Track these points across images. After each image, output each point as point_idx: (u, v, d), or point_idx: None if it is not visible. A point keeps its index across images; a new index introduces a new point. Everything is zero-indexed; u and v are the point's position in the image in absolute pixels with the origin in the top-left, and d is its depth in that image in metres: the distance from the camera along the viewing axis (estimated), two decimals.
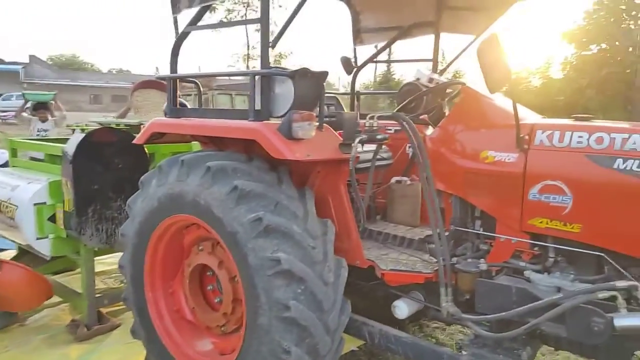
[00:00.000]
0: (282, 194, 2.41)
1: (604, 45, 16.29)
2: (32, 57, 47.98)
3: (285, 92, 2.53)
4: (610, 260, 2.07)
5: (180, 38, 2.93)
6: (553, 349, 2.77)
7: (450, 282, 2.40)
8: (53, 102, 6.93)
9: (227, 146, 2.88)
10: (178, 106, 3.05)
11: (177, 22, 2.95)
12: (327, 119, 2.74)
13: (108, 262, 5.02)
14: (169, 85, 2.96)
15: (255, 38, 26.36)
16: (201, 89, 3.29)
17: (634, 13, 13.95)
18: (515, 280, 2.28)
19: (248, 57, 26.94)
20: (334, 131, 2.68)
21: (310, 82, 2.57)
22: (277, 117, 2.55)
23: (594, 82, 15.81)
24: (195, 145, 3.89)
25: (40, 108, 6.73)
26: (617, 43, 15.61)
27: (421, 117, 3.13)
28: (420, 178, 2.61)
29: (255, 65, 27.89)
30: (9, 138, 4.49)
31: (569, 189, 2.16)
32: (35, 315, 4.01)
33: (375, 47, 4.43)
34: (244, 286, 2.31)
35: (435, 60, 3.94)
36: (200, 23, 2.93)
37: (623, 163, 2.05)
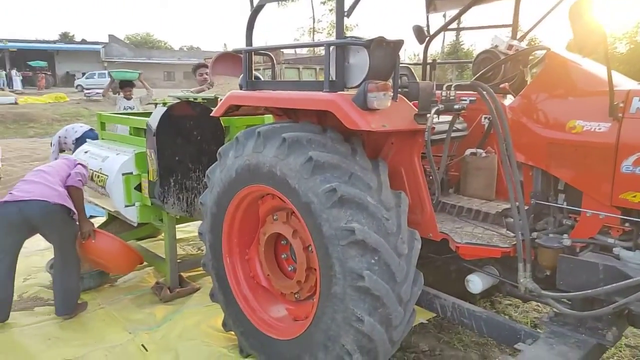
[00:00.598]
0: (356, 165, 2.42)
1: None
2: (111, 36, 50.69)
3: (360, 62, 2.50)
4: None
5: (256, 10, 2.95)
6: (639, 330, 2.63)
7: (530, 258, 2.32)
8: (139, 80, 7.18)
9: (300, 118, 2.92)
10: (253, 79, 3.10)
11: None
12: (402, 89, 2.69)
13: (186, 230, 5.34)
14: (244, 58, 3.02)
15: (321, 11, 26.15)
16: (275, 61, 3.33)
17: None
18: (603, 257, 2.16)
19: (314, 30, 26.80)
20: (408, 102, 2.63)
21: (385, 52, 2.52)
22: (352, 88, 2.54)
23: None
24: (268, 118, 3.98)
25: (126, 86, 6.97)
26: None
27: (501, 86, 2.99)
28: (500, 149, 2.51)
29: (321, 38, 27.74)
30: (97, 112, 4.80)
31: None
32: (124, 277, 4.35)
33: (444, 16, 4.25)
34: (318, 255, 2.36)
35: (515, 26, 3.71)
36: None
37: None
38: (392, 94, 2.45)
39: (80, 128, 7.23)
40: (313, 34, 26.93)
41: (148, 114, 4.10)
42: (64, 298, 3.55)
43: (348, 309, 2.23)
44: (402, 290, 2.29)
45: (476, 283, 2.64)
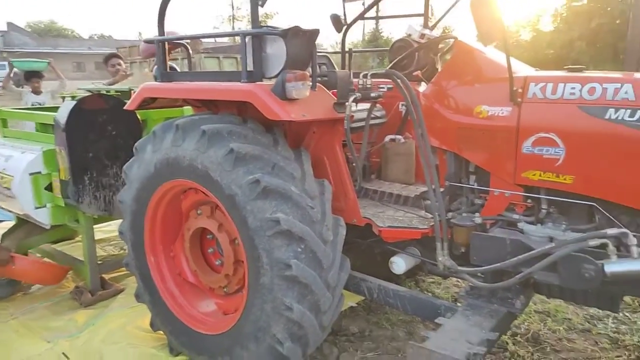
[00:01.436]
0: (278, 156, 2.43)
1: None
2: (9, 24, 46.51)
3: (277, 52, 2.49)
4: (602, 210, 2.13)
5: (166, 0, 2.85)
6: (545, 297, 2.89)
7: (446, 237, 2.46)
8: (50, 68, 6.42)
9: (220, 109, 2.87)
10: (168, 70, 3.00)
11: None
12: (320, 78, 2.72)
13: (106, 229, 5.08)
14: (158, 48, 2.90)
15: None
16: (190, 51, 3.23)
17: None
18: (509, 232, 2.35)
19: (233, 18, 26.24)
20: (327, 91, 2.67)
21: (302, 41, 2.53)
22: (270, 78, 2.53)
23: (585, 34, 15.64)
24: (188, 110, 3.86)
25: (33, 77, 6.21)
26: None
27: (414, 73, 3.11)
28: (415, 135, 2.63)
29: (241, 27, 27.21)
30: None
31: (562, 140, 2.20)
32: (38, 284, 4.07)
33: (363, 4, 4.34)
34: (245, 247, 2.35)
35: (426, 15, 3.87)
36: None
37: (615, 113, 2.08)
38: (310, 84, 2.47)
39: None
40: (233, 22, 26.37)
41: (56, 109, 3.82)
42: None
43: (277, 298, 2.25)
44: (329, 276, 2.35)
45: (399, 264, 2.76)
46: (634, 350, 3.02)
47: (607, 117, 2.09)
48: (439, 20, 4.32)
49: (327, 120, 2.63)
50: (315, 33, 2.59)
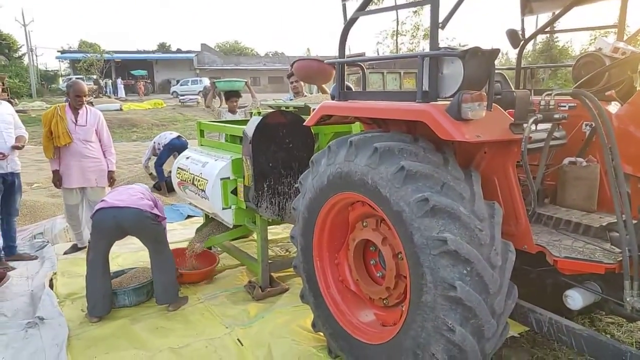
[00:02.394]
0: (448, 175, 2.42)
1: None
2: (203, 45, 53.91)
3: (453, 72, 2.50)
4: None
5: (349, 24, 3.05)
6: None
7: (637, 275, 2.19)
8: (246, 88, 6.96)
9: (390, 127, 2.97)
10: (345, 89, 3.21)
11: (345, 8, 3.08)
12: (495, 96, 2.64)
13: (274, 232, 5.59)
14: (337, 69, 3.12)
15: (405, 13, 25.80)
16: (366, 71, 3.41)
17: None
18: None
19: (397, 33, 26.56)
20: (503, 111, 2.59)
21: (480, 61, 2.49)
22: (445, 98, 2.55)
23: None
24: (356, 126, 4.07)
25: (232, 97, 6.62)
26: None
27: (607, 93, 2.83)
28: (602, 159, 2.39)
29: (404, 41, 27.43)
30: (198, 121, 5.18)
31: None
32: (220, 274, 4.66)
33: (553, 13, 4.07)
34: (409, 263, 2.39)
35: (621, 26, 3.49)
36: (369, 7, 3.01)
37: None
38: (486, 104, 2.43)
39: (170, 135, 7.97)
40: (397, 37, 26.69)
41: (244, 122, 4.36)
42: (164, 290, 3.88)
43: (439, 318, 2.25)
44: (495, 302, 2.26)
45: (576, 299, 2.53)
46: None
47: None
48: (638, 32, 3.85)
49: (501, 141, 2.55)
50: (495, 53, 2.54)
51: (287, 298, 4.05)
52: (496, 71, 3.84)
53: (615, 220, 2.29)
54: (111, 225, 3.70)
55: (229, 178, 4.06)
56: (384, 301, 2.86)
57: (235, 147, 4.26)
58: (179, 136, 8.13)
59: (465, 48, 2.48)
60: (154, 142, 8.14)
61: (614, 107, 2.87)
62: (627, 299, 2.19)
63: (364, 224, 2.91)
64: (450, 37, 23.81)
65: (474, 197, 2.41)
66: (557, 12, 3.92)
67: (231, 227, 4.32)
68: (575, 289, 2.56)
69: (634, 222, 2.32)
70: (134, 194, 3.91)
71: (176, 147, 7.82)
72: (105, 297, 3.78)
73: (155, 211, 3.86)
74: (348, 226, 3.07)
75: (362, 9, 2.98)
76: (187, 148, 7.52)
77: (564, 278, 2.60)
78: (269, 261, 4.26)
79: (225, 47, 68.31)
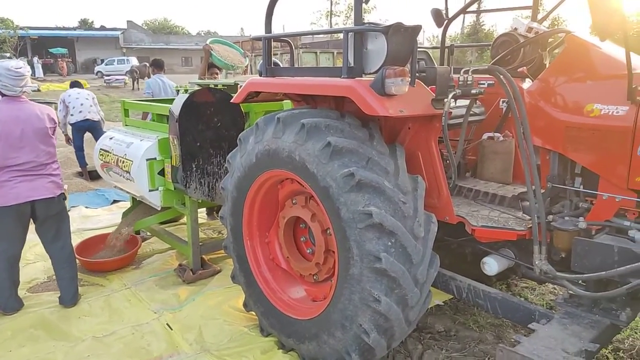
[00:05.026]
0: (373, 150, 2.47)
1: None
2: (129, 22, 51.04)
3: (377, 48, 2.53)
4: None
5: None
6: None
7: (545, 240, 2.35)
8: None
9: (318, 104, 2.97)
10: (272, 65, 3.15)
11: None
12: (419, 74, 2.71)
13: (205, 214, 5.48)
14: (264, 45, 3.06)
15: None
16: (293, 47, 3.37)
17: None
18: (618, 239, 2.19)
19: (331, 13, 26.56)
20: (425, 87, 2.66)
21: (403, 38, 2.54)
22: (370, 74, 2.57)
23: None
24: (287, 104, 4.04)
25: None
26: None
27: (519, 69, 2.98)
28: (517, 133, 2.53)
29: (338, 22, 27.48)
30: (122, 99, 4.92)
31: None
32: (148, 259, 4.50)
33: None
34: (336, 238, 2.43)
35: (535, 8, 3.68)
36: None
37: None
38: (409, 80, 2.48)
39: (76, 102, 7.16)
40: (330, 17, 26.70)
41: (170, 101, 4.19)
42: (74, 287, 3.64)
43: (365, 289, 2.31)
44: (418, 272, 2.35)
45: (492, 265, 2.68)
46: None
47: None
48: (550, 12, 4.08)
49: (424, 116, 2.62)
50: (417, 29, 2.59)
51: (219, 280, 3.99)
52: (421, 49, 3.98)
53: (526, 190, 2.44)
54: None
55: (155, 159, 3.90)
56: (314, 277, 2.89)
57: (162, 127, 4.09)
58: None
59: (388, 24, 2.51)
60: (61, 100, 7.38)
61: (527, 84, 3.03)
62: (536, 263, 2.35)
63: (294, 201, 2.91)
64: (384, 18, 24.14)
65: (398, 171, 2.47)
66: None
67: (159, 209, 4.16)
68: (492, 256, 2.72)
69: (542, 191, 2.48)
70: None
71: (84, 128, 7.25)
72: (15, 287, 3.53)
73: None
74: (278, 204, 3.05)
75: None
76: (98, 127, 7.13)
77: (482, 246, 2.75)
78: (200, 243, 4.17)
79: (153, 25, 65.15)
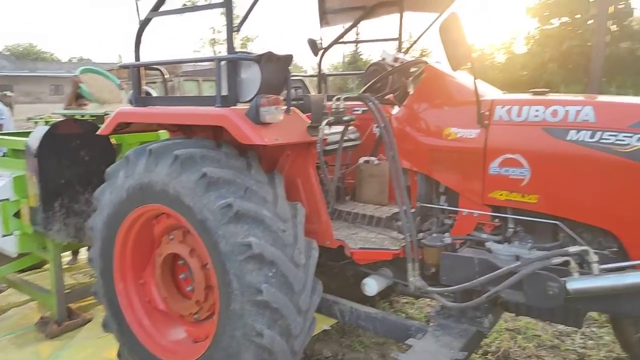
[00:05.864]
0: (251, 180, 2.44)
1: (565, 19, 16.61)
2: None
3: (251, 76, 2.54)
4: (565, 228, 2.18)
5: (143, 25, 2.88)
6: (514, 315, 2.92)
7: (417, 257, 2.48)
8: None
9: (195, 133, 2.87)
10: (143, 94, 3.01)
11: (138, 8, 2.90)
12: (295, 102, 2.76)
13: (81, 257, 4.98)
14: (133, 73, 2.91)
15: (222, 21, 25.83)
16: (166, 76, 3.25)
17: None
18: (478, 251, 2.38)
19: (214, 41, 26.43)
20: (301, 114, 2.71)
21: (276, 66, 2.58)
22: (245, 102, 2.56)
23: (556, 56, 16.15)
24: (164, 134, 3.86)
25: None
26: (577, 16, 15.95)
27: (387, 97, 3.18)
28: (387, 157, 2.67)
29: (222, 50, 27.42)
30: None
31: (527, 161, 2.25)
32: (2, 315, 3.94)
33: (343, 26, 4.44)
34: (216, 273, 2.33)
35: (400, 40, 3.98)
36: (163, 8, 2.88)
37: (576, 134, 2.14)
38: (284, 108, 2.51)
39: None
40: (214, 45, 26.55)
41: (27, 134, 3.78)
42: None
43: (247, 324, 2.23)
44: (301, 300, 2.34)
45: (371, 285, 2.76)
46: None
47: (569, 138, 2.16)
48: (413, 44, 4.45)
49: (301, 144, 2.66)
50: (289, 58, 2.65)
51: (89, 330, 3.60)
52: (297, 77, 4.09)
53: (399, 211, 2.57)
54: None
55: (8, 199, 3.46)
56: (195, 316, 2.74)
57: (18, 163, 3.65)
58: None
59: (260, 53, 2.54)
60: None
61: (397, 110, 3.23)
62: (411, 279, 2.47)
63: (170, 237, 2.76)
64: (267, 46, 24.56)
65: (277, 199, 2.47)
66: (348, 25, 4.32)
67: (15, 256, 3.68)
68: (371, 277, 2.80)
69: (413, 211, 2.63)
70: None
71: None
72: None
73: None
74: (153, 242, 2.87)
75: (155, 9, 2.83)
76: None
77: (362, 268, 2.83)
78: (67, 290, 3.75)
79: (16, 50, 59.33)
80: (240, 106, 2.53)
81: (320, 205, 2.71)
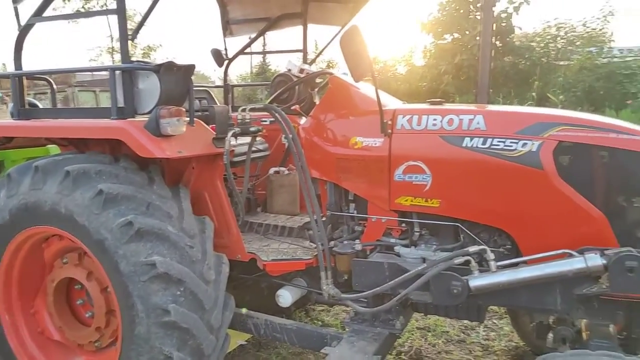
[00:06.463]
0: (153, 195, 2.31)
1: (456, 35, 17.92)
2: None
3: (150, 87, 2.43)
4: (465, 229, 2.31)
5: (24, 31, 2.64)
6: (423, 314, 3.05)
7: (330, 265, 2.50)
8: None
9: (89, 148, 2.67)
10: (27, 106, 2.74)
11: (18, 13, 2.65)
12: (200, 113, 2.67)
13: None
14: (13, 83, 2.64)
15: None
16: (54, 86, 2.99)
17: (479, 5, 15.55)
18: (387, 256, 2.45)
19: (113, 50, 25.01)
20: (206, 126, 2.63)
21: (177, 76, 2.49)
22: (144, 114, 2.44)
23: (450, 69, 17.34)
24: (55, 149, 3.55)
25: None
26: (467, 32, 17.27)
27: (293, 107, 3.19)
28: (296, 167, 2.67)
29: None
30: None
31: (428, 167, 2.36)
32: None
33: (250, 37, 4.42)
34: (117, 296, 2.18)
35: (305, 51, 4.03)
36: (49, 13, 2.65)
37: (470, 141, 2.29)
38: (187, 119, 2.42)
39: None
40: (112, 54, 25.09)
41: None
42: None
43: (155, 347, 2.10)
44: (212, 318, 2.25)
45: (286, 297, 2.74)
46: (501, 354, 3.30)
47: (464, 145, 2.30)
48: (317, 55, 4.53)
49: (207, 156, 2.58)
50: (190, 68, 2.57)
51: None
52: (202, 89, 3.98)
53: (310, 220, 2.57)
54: None
55: None
56: (96, 344, 2.52)
57: None
58: None
59: (159, 62, 2.43)
60: None
61: (303, 120, 3.25)
62: (324, 288, 2.47)
63: (64, 260, 2.52)
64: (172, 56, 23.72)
65: (183, 214, 2.36)
66: (252, 36, 4.31)
67: None
68: (285, 288, 2.77)
69: (323, 219, 2.65)
70: None
71: None
72: None
73: None
74: (44, 266, 2.61)
75: (38, 14, 2.60)
76: None
77: (276, 279, 2.79)
78: None
79: None
80: (139, 118, 2.39)
81: (230, 218, 2.64)
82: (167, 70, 2.41)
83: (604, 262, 1.85)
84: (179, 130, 2.34)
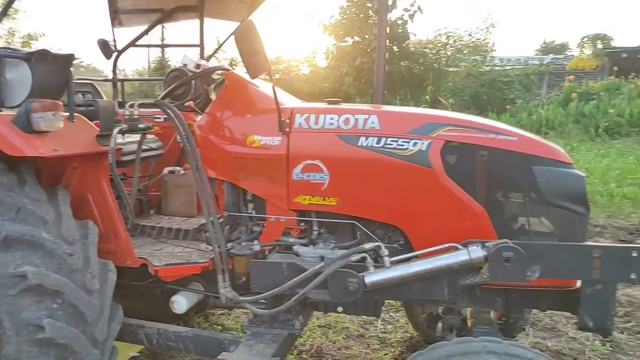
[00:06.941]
0: (25, 198, 2.08)
1: (357, 38, 18.52)
2: None
3: (19, 77, 2.19)
4: (361, 227, 2.36)
5: None
6: (323, 312, 3.08)
7: (228, 268, 2.42)
8: None
9: None
10: None
11: None
12: (83, 108, 2.45)
13: None
14: None
15: None
16: None
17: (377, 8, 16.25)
18: (286, 256, 2.43)
19: None
20: (89, 122, 2.42)
21: (53, 67, 2.27)
22: (11, 108, 2.18)
23: (351, 71, 17.89)
24: None
25: None
26: (366, 36, 17.93)
27: (187, 104, 3.05)
28: (191, 166, 2.55)
29: None
30: None
31: (326, 166, 2.37)
32: None
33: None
34: None
35: (202, 46, 3.89)
36: None
37: (365, 140, 2.33)
38: (64, 114, 2.20)
39: None
40: None
41: None
42: None
43: None
44: (96, 330, 2.07)
45: (181, 303, 2.61)
46: (397, 345, 3.45)
47: (359, 144, 2.34)
48: (215, 51, 4.39)
49: (90, 154, 2.38)
50: (69, 58, 2.35)
51: None
52: (86, 82, 3.67)
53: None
54: None
55: None
56: None
57: None
58: None
59: (31, 50, 2.19)
60: None
61: (198, 118, 3.12)
62: (222, 291, 2.38)
63: None
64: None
65: (61, 218, 2.15)
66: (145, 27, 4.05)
67: None
68: (180, 293, 2.64)
69: (220, 220, 2.56)
70: None
71: None
72: None
73: None
74: None
75: None
76: None
77: (170, 285, 2.65)
78: None
79: None
80: (6, 112, 2.13)
81: (117, 222, 2.46)
82: (40, 59, 2.18)
83: (485, 253, 1.98)
84: (55, 126, 2.13)
